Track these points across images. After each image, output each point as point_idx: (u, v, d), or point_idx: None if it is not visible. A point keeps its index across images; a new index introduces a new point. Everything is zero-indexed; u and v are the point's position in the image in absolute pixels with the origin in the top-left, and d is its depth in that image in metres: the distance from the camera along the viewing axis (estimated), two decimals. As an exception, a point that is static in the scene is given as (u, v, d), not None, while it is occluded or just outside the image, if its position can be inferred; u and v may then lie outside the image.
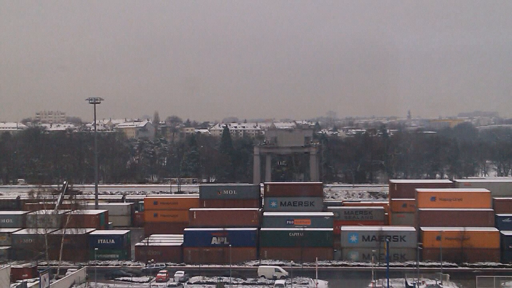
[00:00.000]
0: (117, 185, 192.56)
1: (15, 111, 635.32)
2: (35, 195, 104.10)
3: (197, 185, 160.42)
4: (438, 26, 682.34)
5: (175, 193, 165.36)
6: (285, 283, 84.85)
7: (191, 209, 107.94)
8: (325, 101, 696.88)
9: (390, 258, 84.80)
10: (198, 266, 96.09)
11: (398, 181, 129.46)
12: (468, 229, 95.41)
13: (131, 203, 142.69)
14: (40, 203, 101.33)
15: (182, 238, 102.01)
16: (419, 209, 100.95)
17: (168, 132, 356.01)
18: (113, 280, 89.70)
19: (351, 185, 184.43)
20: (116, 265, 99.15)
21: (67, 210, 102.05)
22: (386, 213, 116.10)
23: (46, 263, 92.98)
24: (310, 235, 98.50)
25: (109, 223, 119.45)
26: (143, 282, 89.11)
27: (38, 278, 78.03)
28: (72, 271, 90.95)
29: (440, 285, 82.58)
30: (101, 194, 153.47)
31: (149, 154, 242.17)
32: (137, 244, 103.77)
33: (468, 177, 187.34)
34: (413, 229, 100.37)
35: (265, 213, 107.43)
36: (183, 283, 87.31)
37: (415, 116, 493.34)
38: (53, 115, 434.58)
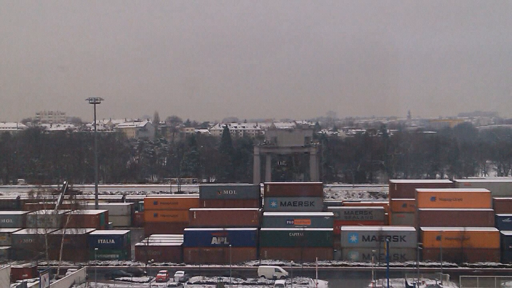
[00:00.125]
0: (117, 185, 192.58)
1: (15, 111, 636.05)
2: (35, 195, 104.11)
3: (197, 185, 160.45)
4: (438, 26, 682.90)
5: (175, 193, 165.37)
6: (285, 283, 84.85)
7: (191, 209, 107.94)
8: (325, 101, 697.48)
9: (390, 258, 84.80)
10: (198, 266, 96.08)
11: (398, 181, 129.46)
12: (468, 229, 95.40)
13: (131, 203, 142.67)
14: (40, 203, 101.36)
15: (182, 238, 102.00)
16: (419, 209, 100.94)
17: (168, 132, 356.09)
18: (113, 280, 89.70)
19: (351, 185, 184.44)
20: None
21: (67, 210, 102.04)
22: (386, 213, 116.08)
23: (46, 263, 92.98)
24: (310, 235, 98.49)
25: (109, 223, 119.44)
26: (143, 282, 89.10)
27: (38, 278, 78.02)
28: (72, 271, 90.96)
29: (440, 285, 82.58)
30: (101, 194, 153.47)
31: (149, 154, 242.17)
32: (137, 244, 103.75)
33: (468, 177, 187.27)
34: (413, 229, 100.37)
35: (265, 213, 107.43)
36: (183, 283, 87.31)
37: (415, 116, 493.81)
38: (53, 115, 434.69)
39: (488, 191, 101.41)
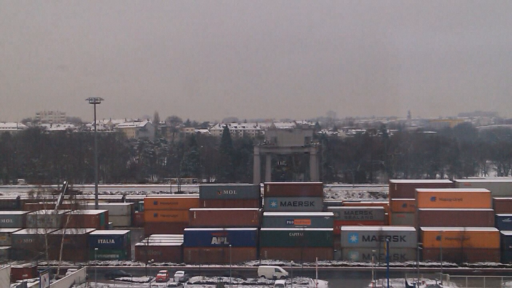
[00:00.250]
0: (117, 185, 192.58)
1: (15, 111, 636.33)
2: (35, 195, 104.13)
3: (197, 185, 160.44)
4: (438, 26, 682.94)
5: (175, 193, 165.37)
6: (285, 283, 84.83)
7: (191, 209, 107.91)
8: (325, 101, 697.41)
9: (390, 258, 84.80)
10: (198, 266, 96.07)
11: (398, 181, 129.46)
12: (468, 229, 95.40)
13: (131, 203, 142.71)
14: (40, 203, 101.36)
15: (182, 238, 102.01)
16: (419, 209, 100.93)
17: (168, 132, 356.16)
18: (113, 280, 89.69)
19: (351, 185, 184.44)
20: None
21: (67, 210, 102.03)
22: (386, 213, 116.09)
23: (46, 263, 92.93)
24: (310, 235, 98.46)
25: (109, 223, 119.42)
26: (143, 282, 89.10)
27: (38, 278, 78.00)
28: (72, 271, 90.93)
29: (440, 285, 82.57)
30: (101, 194, 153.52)
31: (149, 154, 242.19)
32: (137, 244, 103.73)
33: (468, 177, 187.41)
34: (413, 229, 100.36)
35: (265, 213, 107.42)
36: (183, 283, 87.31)
37: (415, 116, 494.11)
38: (53, 115, 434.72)
39: (488, 191, 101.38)
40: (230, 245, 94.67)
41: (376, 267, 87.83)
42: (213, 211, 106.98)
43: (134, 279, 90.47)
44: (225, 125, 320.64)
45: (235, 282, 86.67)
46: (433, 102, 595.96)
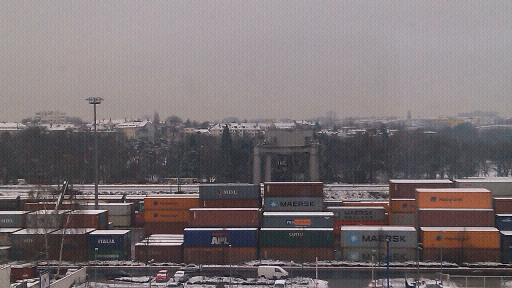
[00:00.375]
0: (117, 185, 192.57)
1: (15, 111, 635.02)
2: (35, 195, 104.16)
3: (197, 185, 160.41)
4: (439, 26, 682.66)
5: (175, 193, 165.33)
6: (285, 283, 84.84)
7: (191, 209, 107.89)
8: (325, 101, 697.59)
9: (390, 258, 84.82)
10: (197, 266, 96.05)
11: (398, 181, 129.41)
12: (468, 229, 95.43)
13: (131, 203, 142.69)
14: (40, 203, 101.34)
15: (182, 238, 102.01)
16: (419, 209, 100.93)
17: (168, 132, 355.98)
18: (113, 280, 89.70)
19: (351, 185, 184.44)
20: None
21: (67, 210, 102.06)
22: (386, 213, 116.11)
23: (46, 263, 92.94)
24: (310, 235, 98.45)
25: (109, 223, 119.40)
26: (143, 282, 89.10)
27: (38, 278, 77.97)
28: (72, 271, 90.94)
29: (440, 285, 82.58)
30: (101, 194, 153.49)
31: (149, 154, 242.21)
32: (137, 244, 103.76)
33: (468, 177, 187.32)
34: (413, 229, 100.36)
35: (265, 213, 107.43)
36: (183, 283, 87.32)
37: (415, 116, 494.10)
38: (53, 115, 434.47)
39: (488, 191, 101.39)
40: (230, 245, 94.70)
41: (376, 267, 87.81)
42: (213, 211, 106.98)
43: (134, 279, 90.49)
44: (225, 125, 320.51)
45: (235, 282, 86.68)
46: (433, 102, 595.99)
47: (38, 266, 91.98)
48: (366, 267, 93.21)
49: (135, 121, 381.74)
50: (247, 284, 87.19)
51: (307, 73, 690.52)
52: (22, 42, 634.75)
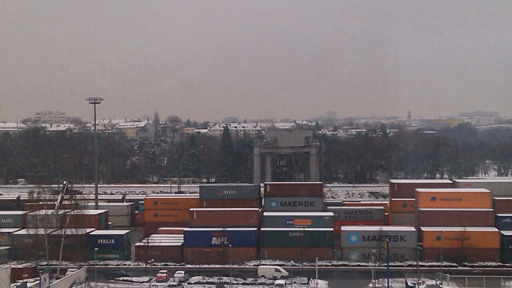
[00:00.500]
0: (117, 185, 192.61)
1: (15, 111, 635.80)
2: (35, 195, 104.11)
3: (197, 185, 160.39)
4: (439, 26, 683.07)
5: (175, 193, 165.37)
6: (285, 283, 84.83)
7: (191, 209, 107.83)
8: (325, 101, 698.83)
9: (390, 258, 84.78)
10: (198, 266, 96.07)
11: (398, 181, 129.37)
12: (468, 229, 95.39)
13: (131, 203, 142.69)
14: (40, 203, 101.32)
15: (182, 238, 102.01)
16: (419, 209, 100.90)
17: (168, 132, 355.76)
18: (113, 280, 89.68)
19: (351, 185, 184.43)
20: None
21: (67, 210, 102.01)
22: (386, 213, 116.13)
23: (46, 263, 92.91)
24: (310, 235, 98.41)
25: (109, 223, 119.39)
26: (143, 282, 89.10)
27: (38, 278, 77.94)
28: (72, 271, 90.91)
29: (440, 285, 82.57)
30: (101, 194, 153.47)
31: (149, 154, 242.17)
32: (137, 244, 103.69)
33: (468, 177, 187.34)
34: (413, 229, 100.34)
35: (265, 213, 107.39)
36: (183, 283, 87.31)
37: (415, 116, 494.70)
38: (53, 115, 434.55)
39: (488, 191, 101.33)
40: (230, 245, 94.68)
41: (376, 267, 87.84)
42: (213, 211, 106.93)
43: (134, 279, 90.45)
44: (225, 125, 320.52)
45: (235, 282, 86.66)
46: (433, 102, 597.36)
47: (38, 266, 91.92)
48: (366, 267, 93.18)
49: (135, 121, 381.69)
50: (247, 284, 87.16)
51: (307, 73, 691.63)
52: (22, 42, 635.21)
